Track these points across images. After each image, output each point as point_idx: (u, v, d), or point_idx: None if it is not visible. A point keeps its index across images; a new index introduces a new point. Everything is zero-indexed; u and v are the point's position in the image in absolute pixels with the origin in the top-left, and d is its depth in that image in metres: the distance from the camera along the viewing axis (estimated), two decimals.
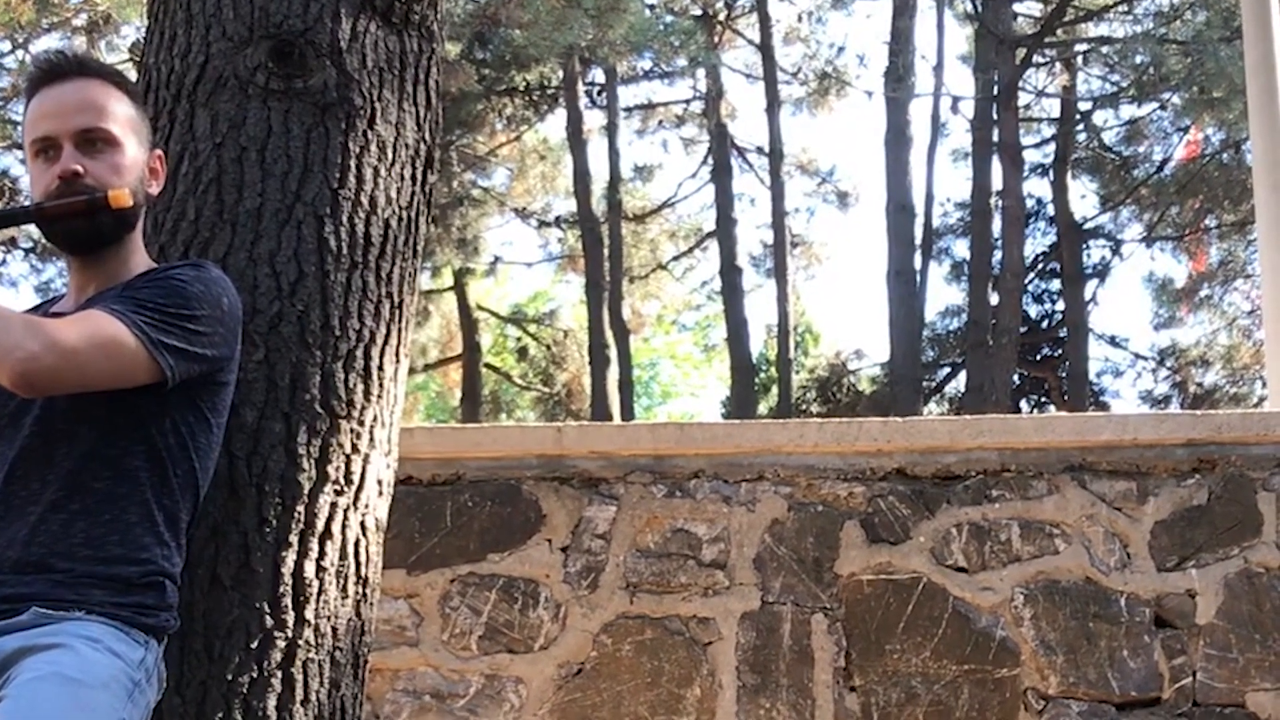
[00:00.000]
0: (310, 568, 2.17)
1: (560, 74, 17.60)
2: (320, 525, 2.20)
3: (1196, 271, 19.42)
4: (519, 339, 22.61)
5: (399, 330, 2.39)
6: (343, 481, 2.24)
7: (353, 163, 2.35)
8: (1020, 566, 3.49)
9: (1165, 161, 18.88)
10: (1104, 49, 18.53)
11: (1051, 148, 19.46)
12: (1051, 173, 19.26)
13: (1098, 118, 19.52)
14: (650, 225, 21.08)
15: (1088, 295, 19.09)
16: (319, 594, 2.18)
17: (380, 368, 2.33)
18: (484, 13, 14.26)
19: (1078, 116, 19.36)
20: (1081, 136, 19.58)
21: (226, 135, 2.32)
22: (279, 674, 2.11)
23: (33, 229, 2.27)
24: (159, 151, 2.18)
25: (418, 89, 2.50)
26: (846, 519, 3.53)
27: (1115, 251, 19.77)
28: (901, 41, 17.16)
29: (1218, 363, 19.46)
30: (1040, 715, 3.39)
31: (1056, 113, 19.74)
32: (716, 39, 19.01)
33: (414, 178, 2.47)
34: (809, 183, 20.71)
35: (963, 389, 17.74)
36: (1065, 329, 18.90)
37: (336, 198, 2.32)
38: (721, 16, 19.48)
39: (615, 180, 18.59)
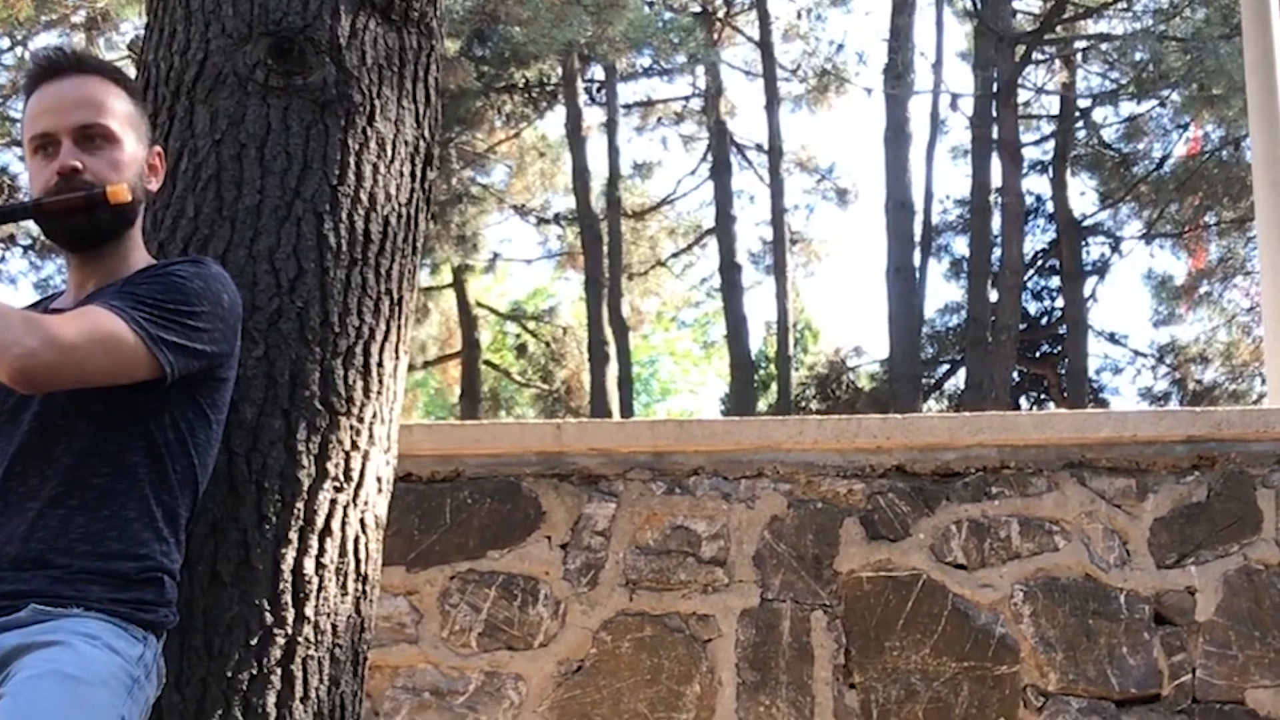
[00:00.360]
0: (310, 564, 2.17)
1: (559, 71, 17.59)
2: (320, 522, 2.20)
3: (1196, 268, 19.41)
4: (518, 336, 22.60)
5: (398, 327, 2.39)
6: (342, 478, 2.24)
7: (352, 160, 2.35)
8: (1020, 563, 3.49)
9: (1165, 158, 18.88)
10: (1103, 46, 18.52)
11: (1051, 145, 19.45)
12: (1051, 170, 19.25)
13: (1097, 115, 19.51)
14: (649, 222, 21.06)
15: (1087, 292, 19.10)
16: (318, 591, 2.18)
17: (380, 364, 2.33)
18: (483, 9, 14.25)
19: (1077, 113, 19.35)
20: (1081, 133, 19.56)
21: (226, 132, 2.32)
22: (278, 671, 2.11)
23: (32, 225, 2.27)
24: (158, 148, 2.18)
25: (417, 86, 2.49)
26: (846, 516, 3.53)
27: (1115, 248, 19.78)
28: (901, 38, 17.14)
29: (1217, 360, 19.46)
30: (1040, 712, 3.39)
31: (1056, 110, 19.72)
32: (716, 36, 19.00)
33: (413, 174, 2.47)
34: (808, 180, 20.73)
35: (962, 386, 17.73)
36: (1065, 326, 18.90)
37: (336, 194, 2.32)
38: (721, 13, 19.46)
39: (614, 177, 18.58)
